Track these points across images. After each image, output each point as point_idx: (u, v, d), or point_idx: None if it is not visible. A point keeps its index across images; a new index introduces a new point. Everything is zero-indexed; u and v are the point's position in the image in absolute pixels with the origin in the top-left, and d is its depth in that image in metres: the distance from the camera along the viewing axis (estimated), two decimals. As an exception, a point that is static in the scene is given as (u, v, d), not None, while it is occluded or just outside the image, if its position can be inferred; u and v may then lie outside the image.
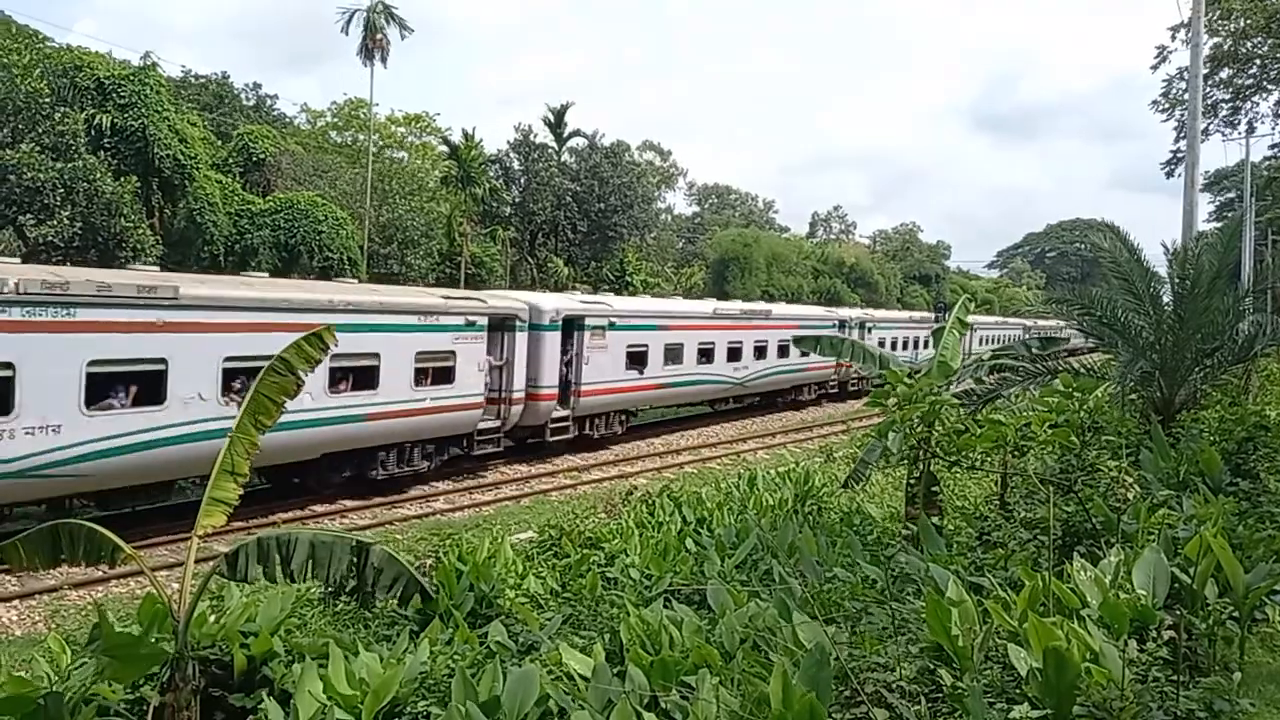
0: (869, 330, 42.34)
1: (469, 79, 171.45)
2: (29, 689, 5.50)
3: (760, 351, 34.05)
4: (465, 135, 53.06)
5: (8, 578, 13.66)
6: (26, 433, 13.09)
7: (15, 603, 13.09)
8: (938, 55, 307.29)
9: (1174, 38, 34.76)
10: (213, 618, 6.85)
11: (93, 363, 13.94)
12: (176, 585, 6.18)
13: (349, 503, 19.35)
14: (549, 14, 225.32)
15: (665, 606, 7.73)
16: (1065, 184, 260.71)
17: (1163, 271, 14.40)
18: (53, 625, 11.95)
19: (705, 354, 30.66)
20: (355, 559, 6.00)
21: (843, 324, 40.23)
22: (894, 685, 5.04)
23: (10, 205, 31.70)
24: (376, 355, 18.64)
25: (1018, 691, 4.88)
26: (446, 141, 55.97)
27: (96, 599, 13.35)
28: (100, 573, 12.95)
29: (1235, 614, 6.35)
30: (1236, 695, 5.15)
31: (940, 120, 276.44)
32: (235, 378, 15.77)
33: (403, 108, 68.28)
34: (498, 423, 22.13)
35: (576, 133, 59.72)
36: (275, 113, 58.24)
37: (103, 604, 12.95)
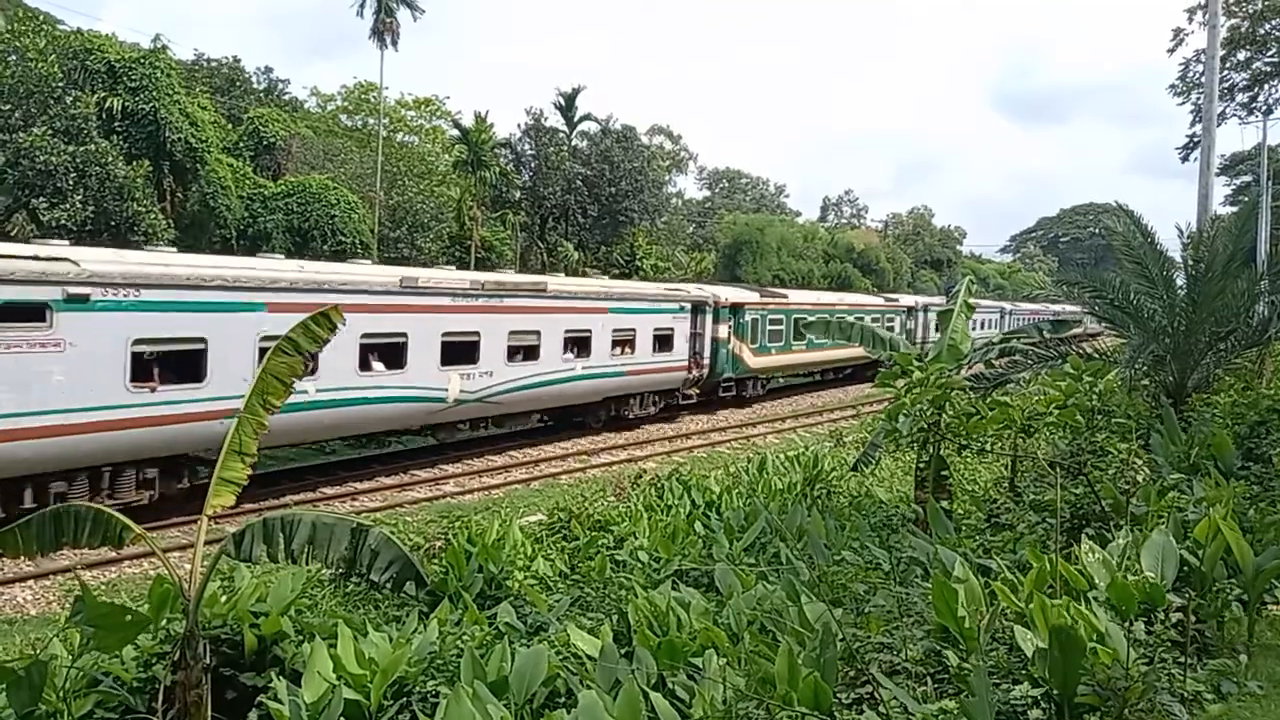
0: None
1: (474, 72, 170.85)
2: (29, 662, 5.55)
3: None
4: (477, 118, 52.81)
5: (23, 557, 13.80)
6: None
7: (30, 583, 13.22)
8: (957, 41, 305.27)
9: (1191, 20, 34.44)
10: (224, 598, 6.90)
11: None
12: (188, 566, 6.21)
13: (359, 485, 19.47)
14: (550, 13, 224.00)
15: (673, 589, 7.76)
16: (1083, 169, 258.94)
17: (1177, 255, 14.28)
18: (66, 605, 12.06)
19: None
20: (354, 541, 6.00)
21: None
22: (899, 666, 5.05)
23: (23, 189, 31.77)
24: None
25: (1023, 672, 4.88)
26: (457, 125, 55.74)
27: (110, 579, 13.49)
28: (114, 554, 13.07)
29: (1244, 596, 6.33)
30: (1244, 677, 5.15)
31: (958, 106, 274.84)
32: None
33: (413, 92, 68.17)
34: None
35: (587, 117, 59.42)
36: (286, 97, 58.11)
37: (114, 583, 13.11)
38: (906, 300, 49.49)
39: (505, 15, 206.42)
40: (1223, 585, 6.26)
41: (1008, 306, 62.65)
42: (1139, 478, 8.00)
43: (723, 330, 30.72)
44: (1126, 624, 5.12)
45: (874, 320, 36.96)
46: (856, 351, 39.28)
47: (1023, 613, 5.40)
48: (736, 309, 31.74)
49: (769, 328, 33.87)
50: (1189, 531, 6.82)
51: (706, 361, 29.91)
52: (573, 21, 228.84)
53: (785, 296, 36.67)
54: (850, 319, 34.89)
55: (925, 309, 48.45)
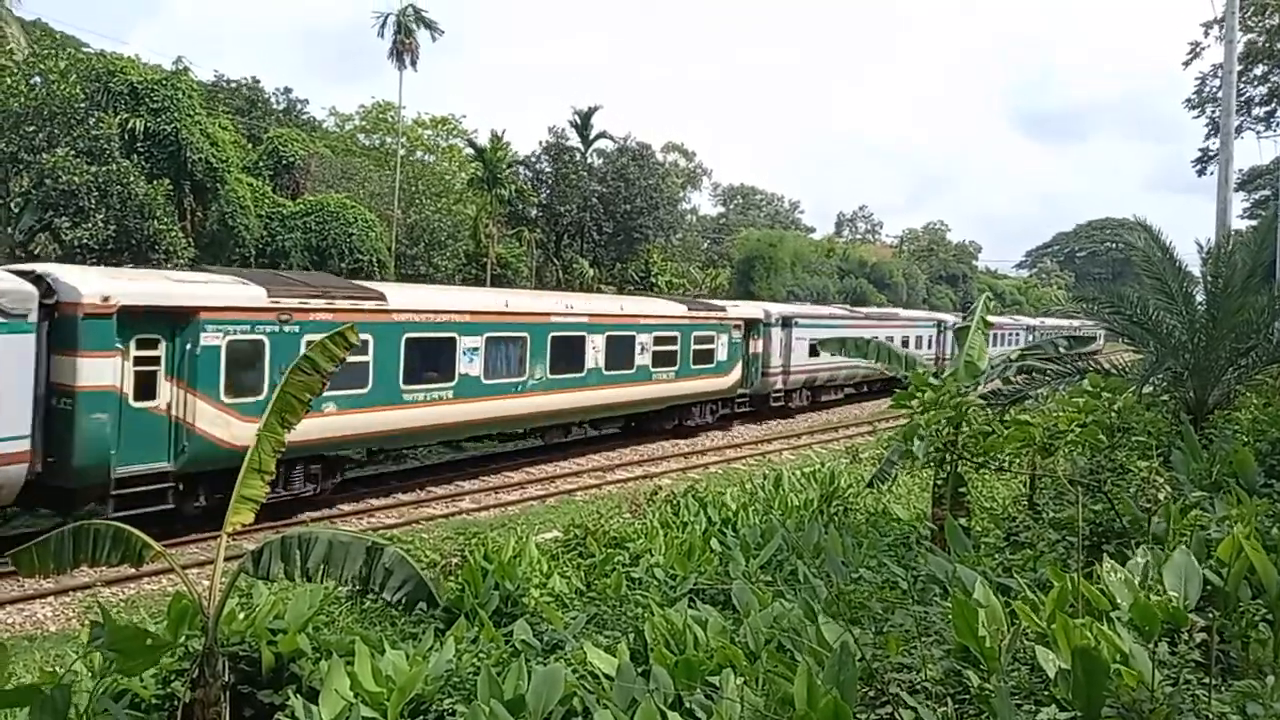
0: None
1: (474, 74, 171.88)
2: (53, 682, 5.57)
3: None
4: (494, 135, 53.17)
5: (40, 576, 13.88)
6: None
7: (50, 599, 13.31)
8: (975, 54, 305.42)
9: (1207, 34, 34.23)
10: (241, 615, 6.92)
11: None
12: (207, 582, 6.24)
13: (376, 501, 19.51)
14: (548, 15, 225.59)
15: (690, 606, 7.73)
16: (1100, 185, 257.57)
17: (1196, 270, 14.16)
18: (86, 621, 12.12)
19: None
20: (368, 560, 6.02)
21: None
22: (919, 686, 5.00)
23: (46, 208, 32.22)
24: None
25: (1045, 693, 4.82)
26: (472, 144, 56.17)
27: (129, 595, 13.56)
28: (133, 570, 13.13)
29: (1269, 617, 6.23)
30: (1270, 699, 5.06)
31: (969, 119, 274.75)
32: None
33: (432, 110, 68.82)
34: None
35: (603, 134, 59.74)
36: (304, 116, 58.72)
37: (133, 600, 13.17)
38: (748, 310, 34.13)
39: (503, 17, 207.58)
40: (1247, 605, 6.17)
41: (949, 320, 49.66)
42: (1160, 495, 7.91)
43: (101, 369, 14.22)
44: (1150, 645, 5.06)
45: (660, 343, 27.95)
46: (611, 396, 25.38)
47: (1044, 633, 5.34)
48: (174, 322, 15.37)
49: (320, 362, 12.59)
50: (1212, 550, 6.73)
51: (30, 448, 13.56)
52: (571, 23, 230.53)
53: (379, 298, 19.12)
54: (589, 335, 25.47)
55: (787, 322, 35.52)
